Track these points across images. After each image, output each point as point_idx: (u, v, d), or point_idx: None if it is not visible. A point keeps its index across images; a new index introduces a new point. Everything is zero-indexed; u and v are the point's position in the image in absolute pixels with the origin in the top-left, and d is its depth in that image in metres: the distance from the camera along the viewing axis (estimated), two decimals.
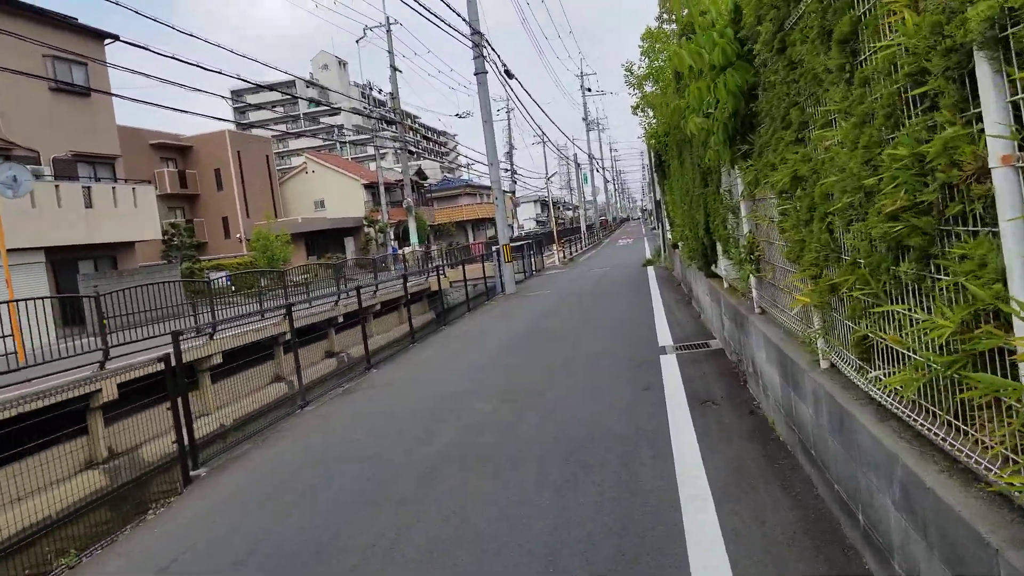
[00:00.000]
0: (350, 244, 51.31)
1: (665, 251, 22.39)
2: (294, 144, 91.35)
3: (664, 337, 9.34)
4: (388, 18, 33.65)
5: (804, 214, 3.37)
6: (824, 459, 3.62)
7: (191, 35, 17.07)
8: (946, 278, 2.05)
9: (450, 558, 3.77)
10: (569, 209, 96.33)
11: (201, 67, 16.14)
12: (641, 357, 8.22)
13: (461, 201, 69.16)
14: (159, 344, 11.75)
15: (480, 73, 19.10)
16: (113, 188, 23.88)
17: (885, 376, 2.72)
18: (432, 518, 4.33)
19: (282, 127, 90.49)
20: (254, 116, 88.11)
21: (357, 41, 34.21)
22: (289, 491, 5.28)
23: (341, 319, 21.36)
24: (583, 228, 51.43)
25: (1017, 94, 1.67)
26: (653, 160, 16.71)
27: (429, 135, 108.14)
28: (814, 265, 3.42)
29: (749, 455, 4.58)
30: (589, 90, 57.07)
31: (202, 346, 14.57)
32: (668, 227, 19.45)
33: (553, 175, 55.34)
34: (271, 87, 25.96)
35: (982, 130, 1.78)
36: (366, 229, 50.98)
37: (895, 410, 2.68)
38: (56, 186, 20.43)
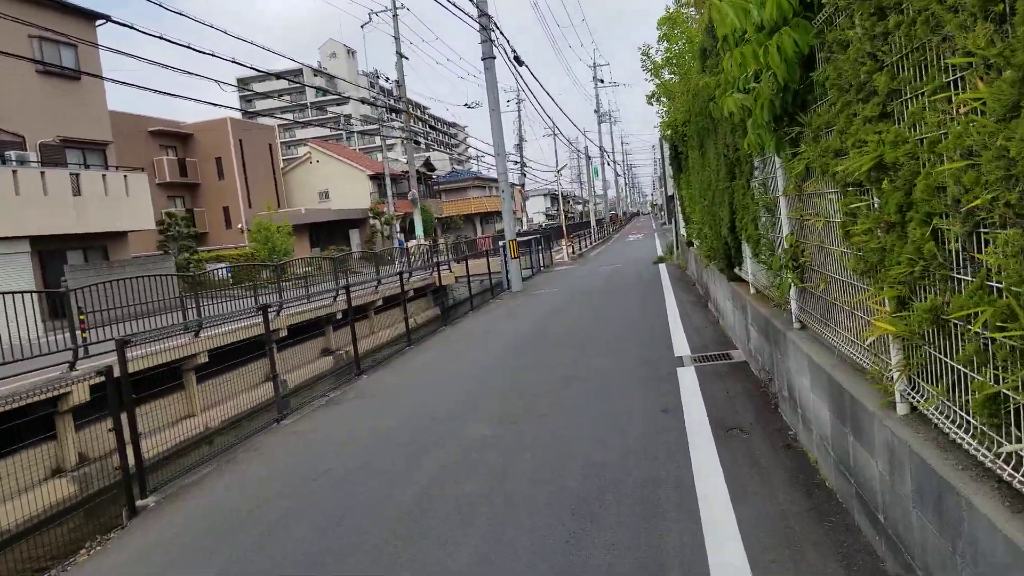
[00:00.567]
0: (355, 236, 50.58)
1: (678, 248, 21.46)
2: (301, 134, 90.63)
3: (680, 345, 8.48)
4: (395, 2, 32.72)
5: (891, 214, 2.51)
6: (903, 537, 2.76)
7: (195, 19, 16.26)
8: None
9: None
10: (579, 203, 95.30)
11: (192, 48, 15.34)
12: (656, 369, 7.36)
13: (470, 194, 68.31)
14: (144, 341, 10.98)
15: (487, 58, 18.21)
16: (104, 175, 23.14)
17: None
18: None
19: (289, 116, 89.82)
20: (261, 105, 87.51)
21: (362, 26, 33.57)
22: (234, 543, 4.47)
23: (340, 315, 20.63)
24: (593, 223, 50.47)
25: None
26: (668, 152, 15.79)
27: (438, 126, 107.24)
28: (901, 283, 2.56)
29: (792, 508, 3.73)
30: (602, 81, 56.02)
31: (187, 344, 13.83)
32: (682, 223, 18.54)
33: (563, 168, 54.36)
34: (278, 75, 25.24)
35: None
36: (372, 221, 50.20)
37: None
38: (42, 172, 19.68)
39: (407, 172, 54.14)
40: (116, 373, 6.10)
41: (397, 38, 33.10)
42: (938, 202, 2.18)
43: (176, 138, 46.48)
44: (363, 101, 39.06)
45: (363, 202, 51.57)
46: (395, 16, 32.98)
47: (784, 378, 5.04)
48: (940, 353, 2.39)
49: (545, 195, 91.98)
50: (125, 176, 24.76)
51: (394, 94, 33.58)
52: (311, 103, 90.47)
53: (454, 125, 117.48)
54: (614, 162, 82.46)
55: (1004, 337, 1.81)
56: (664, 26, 13.59)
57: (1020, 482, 1.96)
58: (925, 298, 2.42)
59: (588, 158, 58.40)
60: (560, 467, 4.87)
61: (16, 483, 8.18)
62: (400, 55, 33.05)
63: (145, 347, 11.73)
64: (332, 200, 52.89)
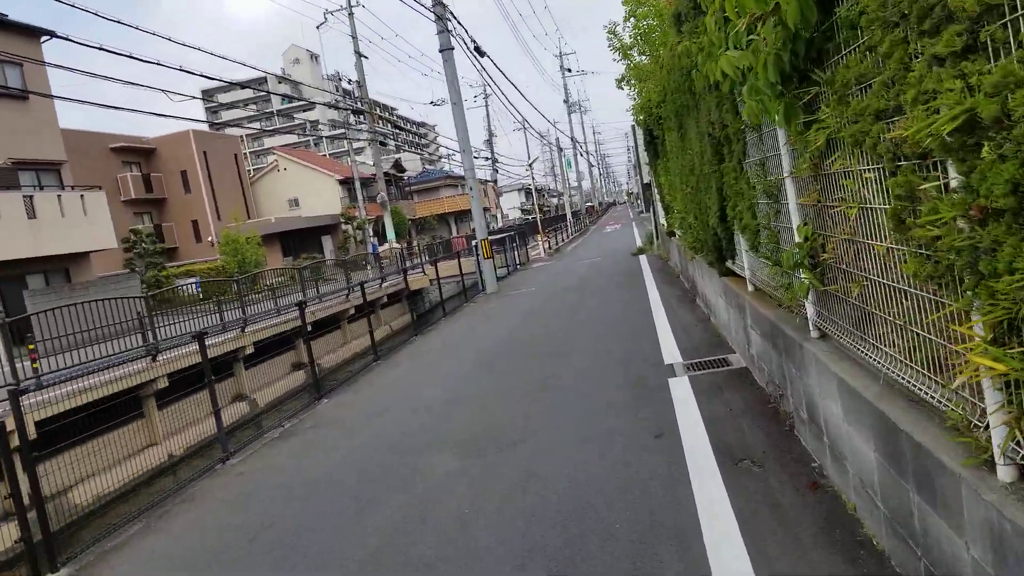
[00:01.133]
0: (328, 243, 49.41)
1: (658, 238, 20.70)
2: (269, 142, 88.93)
3: (670, 349, 7.64)
4: (349, 1, 31.58)
5: (997, 196, 1.65)
6: None
7: (146, 31, 15.20)
8: None
9: None
10: (554, 196, 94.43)
11: (135, 58, 14.30)
12: (644, 380, 6.51)
13: (442, 193, 67.30)
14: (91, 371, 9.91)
15: (445, 50, 17.24)
16: (59, 196, 21.93)
17: None
18: None
19: (256, 125, 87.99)
20: (227, 116, 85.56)
21: (318, 27, 32.15)
22: None
23: (310, 328, 19.59)
24: (568, 215, 49.67)
25: None
26: (643, 138, 14.97)
27: (407, 127, 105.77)
28: (1014, 300, 1.70)
29: None
30: (569, 70, 55.15)
31: (144, 370, 12.80)
32: (661, 212, 17.74)
33: (535, 160, 53.43)
34: (243, 85, 24.34)
35: None
36: (344, 227, 49.03)
37: None
38: None
39: (375, 174, 53.00)
40: (11, 426, 5.14)
41: (354, 37, 32.00)
42: None
43: (139, 153, 45.02)
44: (327, 105, 37.87)
45: (334, 208, 50.42)
46: (351, 15, 31.87)
47: (802, 397, 4.21)
48: None
49: (520, 190, 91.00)
50: (82, 196, 23.58)
51: (355, 95, 32.43)
52: (278, 111, 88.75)
53: (423, 125, 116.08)
54: (587, 152, 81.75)
55: None
56: (630, 3, 12.73)
57: None
58: None
59: (560, 150, 57.53)
60: (534, 516, 4.00)
61: None
62: (359, 54, 31.95)
63: (102, 375, 10.75)
64: (302, 207, 51.66)
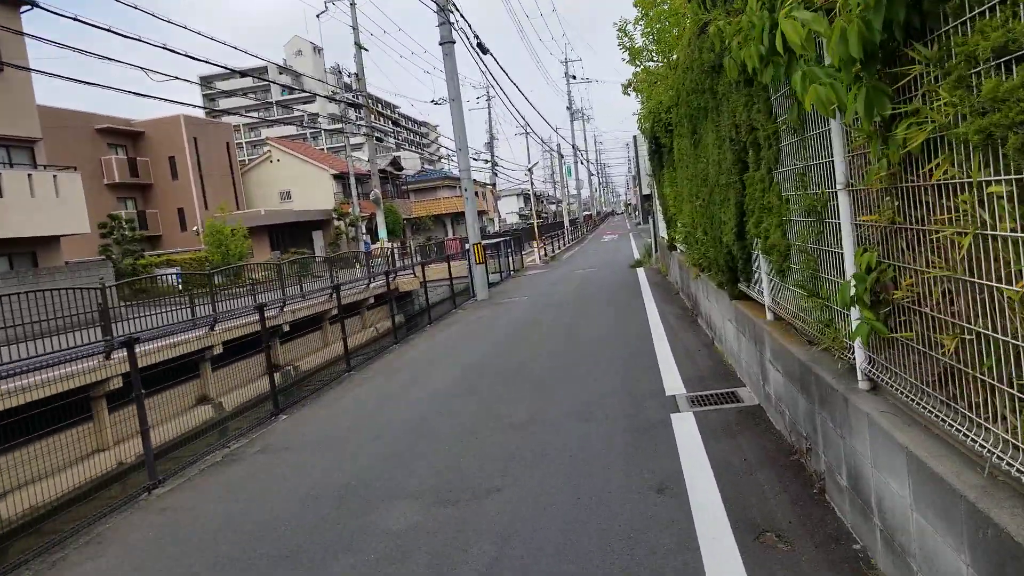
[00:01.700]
0: (319, 238, 48.50)
1: (656, 251, 19.97)
2: (268, 133, 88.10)
3: (671, 377, 6.87)
4: None
5: None
6: None
7: (148, 12, 14.43)
8: None
9: None
10: (553, 203, 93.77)
11: (123, 36, 13.54)
12: (643, 415, 5.73)
13: (440, 193, 66.52)
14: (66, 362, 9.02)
15: (446, 43, 16.48)
16: (29, 175, 20.98)
17: None
18: None
19: (254, 115, 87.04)
20: (225, 104, 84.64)
21: (318, 16, 31.37)
22: None
23: (287, 328, 18.76)
24: (566, 223, 48.96)
25: None
26: (647, 147, 14.24)
27: (409, 125, 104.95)
28: None
29: None
30: (574, 77, 54.52)
31: (97, 368, 11.93)
32: (662, 225, 17.02)
33: (534, 165, 52.73)
34: (243, 73, 23.74)
35: None
36: (336, 222, 48.13)
37: None
38: None
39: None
40: None
41: (355, 28, 31.23)
42: None
43: (126, 136, 44.06)
44: (324, 96, 37.03)
45: (327, 203, 49.53)
46: (352, 4, 31.08)
47: (840, 459, 3.43)
48: None
49: (518, 195, 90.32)
50: (55, 176, 22.61)
51: (353, 87, 31.63)
52: (276, 102, 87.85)
53: (425, 124, 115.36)
54: (587, 161, 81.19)
55: None
56: (643, 2, 11.98)
57: None
58: None
59: (561, 156, 56.87)
60: None
61: None
62: (359, 46, 31.17)
63: (51, 371, 9.88)
64: (294, 201, 50.77)
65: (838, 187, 3.17)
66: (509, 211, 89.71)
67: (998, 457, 2.04)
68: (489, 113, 51.99)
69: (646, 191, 35.30)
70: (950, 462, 2.32)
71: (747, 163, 5.16)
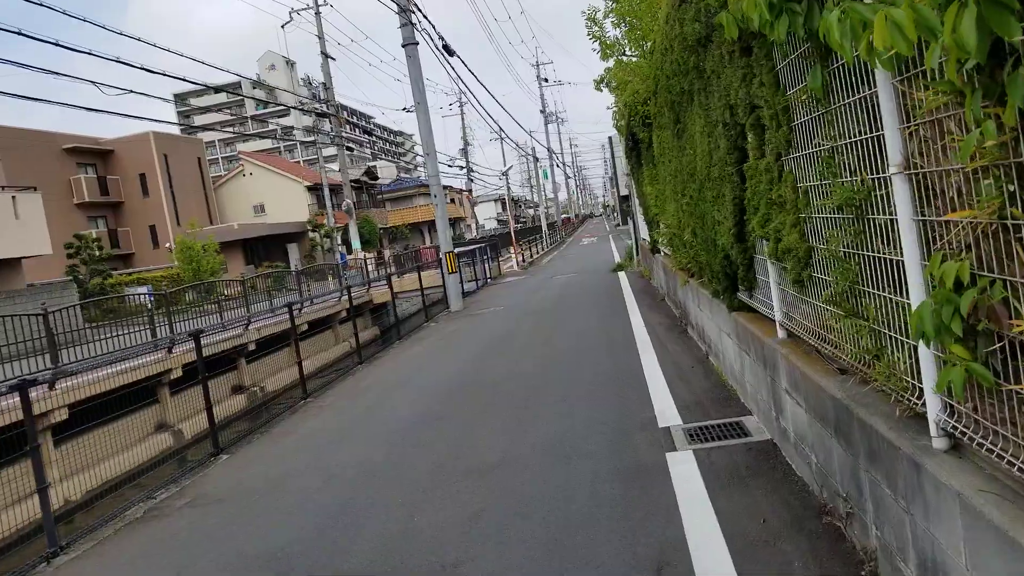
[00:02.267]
0: (294, 251, 47.30)
1: (638, 254, 19.15)
2: (242, 147, 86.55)
3: (663, 401, 5.97)
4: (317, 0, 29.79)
5: None
6: None
7: (117, 32, 13.49)
8: None
9: None
10: (531, 207, 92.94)
11: (76, 52, 12.59)
12: (633, 454, 4.82)
13: (416, 201, 65.47)
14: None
15: (409, 44, 15.55)
16: None
17: None
18: None
19: (230, 130, 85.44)
20: (201, 121, 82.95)
21: (283, 26, 30.30)
22: None
23: (253, 347, 17.69)
24: (544, 227, 48.13)
25: None
26: (625, 143, 13.40)
27: (384, 135, 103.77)
28: None
29: None
30: (546, 80, 53.79)
31: (42, 398, 10.82)
32: (643, 226, 16.19)
33: (509, 169, 51.85)
34: (217, 89, 22.76)
35: None
36: (311, 234, 46.95)
37: None
38: None
39: (349, 181, 51.01)
40: None
41: (321, 37, 30.24)
42: None
43: (95, 155, 42.74)
44: (292, 107, 35.97)
45: (301, 215, 48.38)
46: (317, 14, 30.09)
47: (907, 542, 2.53)
48: None
49: (496, 200, 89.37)
50: (13, 197, 21.47)
51: (321, 97, 30.62)
52: (251, 116, 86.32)
53: (401, 134, 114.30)
54: (563, 164, 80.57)
55: None
56: None
57: None
58: None
59: (536, 159, 56.09)
60: None
61: None
62: (325, 55, 30.18)
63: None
64: (268, 214, 49.59)
65: (891, 170, 2.29)
66: (487, 217, 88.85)
67: None
68: (462, 119, 51.10)
69: (624, 192, 34.53)
70: None
71: (746, 150, 4.29)
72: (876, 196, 2.54)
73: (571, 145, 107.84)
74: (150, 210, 43.50)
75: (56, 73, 13.52)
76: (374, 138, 64.70)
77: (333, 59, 30.31)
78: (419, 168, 76.38)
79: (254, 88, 74.18)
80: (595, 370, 7.66)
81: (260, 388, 17.77)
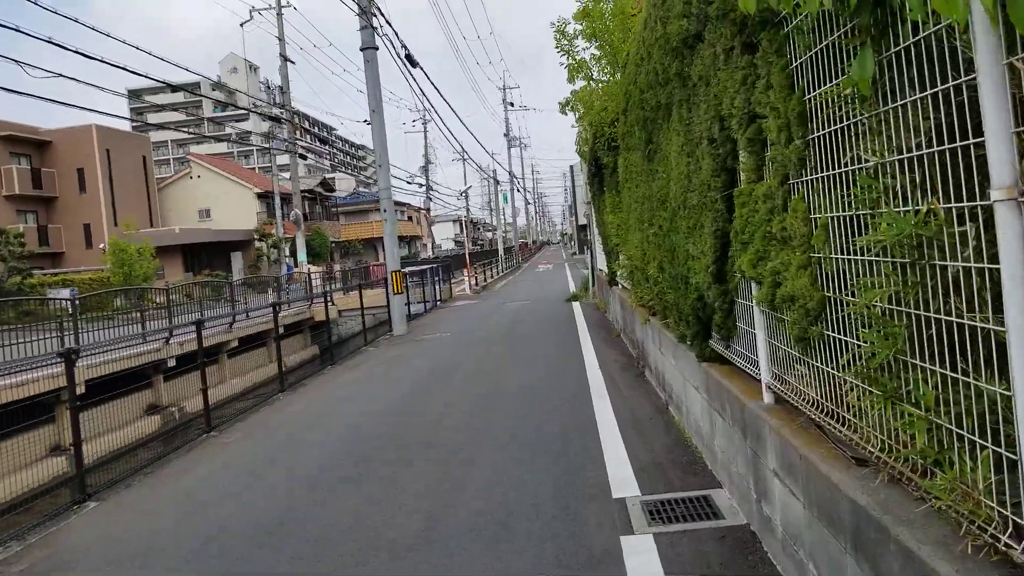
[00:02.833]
0: (237, 260, 45.38)
1: (594, 284, 18.48)
2: (197, 150, 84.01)
3: (617, 463, 5.12)
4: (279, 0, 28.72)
5: None
6: None
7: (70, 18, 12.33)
8: None
9: None
10: (490, 230, 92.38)
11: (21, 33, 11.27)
12: (582, 536, 3.94)
13: (372, 217, 64.11)
14: None
15: (368, 48, 14.68)
16: None
17: None
18: None
19: (185, 131, 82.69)
20: (156, 119, 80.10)
21: (242, 24, 29.08)
22: None
23: (173, 363, 16.25)
24: (500, 251, 47.43)
25: None
26: (588, 168, 12.74)
27: (345, 147, 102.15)
28: None
29: None
30: (512, 104, 53.55)
31: None
32: (600, 256, 15.53)
33: (468, 189, 51.20)
34: (174, 88, 21.55)
35: None
36: (257, 244, 45.19)
37: None
38: None
39: (301, 191, 49.50)
40: None
41: (281, 39, 29.15)
42: None
43: (31, 145, 40.35)
44: (249, 110, 34.61)
45: (249, 222, 46.57)
46: (279, 14, 29.02)
47: None
48: None
49: (455, 221, 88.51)
50: None
51: (277, 101, 29.43)
52: (208, 118, 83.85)
53: (363, 147, 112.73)
54: (524, 189, 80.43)
55: None
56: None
57: None
58: None
59: (497, 182, 55.57)
60: None
61: None
62: (284, 58, 29.07)
63: None
64: (214, 220, 47.58)
65: (995, 195, 1.51)
66: (444, 237, 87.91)
67: None
68: (425, 136, 50.41)
69: (582, 221, 34.07)
70: None
71: (736, 172, 3.54)
72: (950, 233, 1.76)
73: (533, 171, 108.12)
74: (86, 207, 41.25)
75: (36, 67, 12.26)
76: (332, 148, 63.25)
77: (293, 63, 29.21)
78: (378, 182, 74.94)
79: (213, 90, 72.18)
80: (543, 415, 6.79)
81: (179, 409, 16.31)
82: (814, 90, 2.52)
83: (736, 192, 3.43)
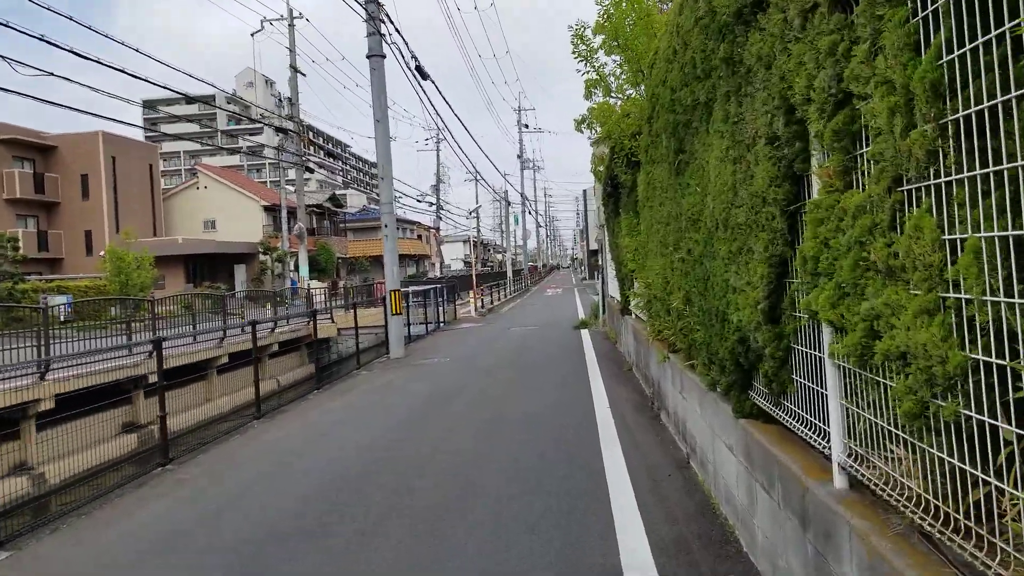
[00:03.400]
0: (241, 272, 44.79)
1: (604, 312, 17.58)
2: (211, 162, 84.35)
3: (631, 533, 4.20)
4: (291, 11, 28.36)
5: None
6: None
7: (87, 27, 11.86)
8: None
9: None
10: (500, 252, 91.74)
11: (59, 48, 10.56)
12: None
13: (381, 234, 63.40)
14: None
15: (374, 56, 14.02)
16: None
17: None
18: None
19: (199, 142, 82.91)
20: (169, 130, 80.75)
21: (253, 35, 28.74)
22: None
23: (153, 378, 15.40)
24: (509, 273, 46.61)
25: None
26: (603, 189, 11.92)
27: (360, 165, 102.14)
28: None
29: None
30: (527, 126, 53.10)
31: None
32: (611, 282, 14.66)
33: (477, 208, 50.57)
34: (189, 99, 21.27)
35: None
36: (262, 257, 44.61)
37: None
38: None
39: (309, 206, 49.05)
40: None
41: (292, 50, 28.72)
42: None
43: (35, 150, 40.09)
44: (259, 120, 34.22)
45: (255, 235, 46.03)
46: (291, 26, 28.63)
47: None
48: None
49: (464, 241, 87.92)
50: None
51: (285, 112, 28.93)
52: (223, 131, 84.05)
53: (376, 165, 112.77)
54: (536, 212, 79.86)
55: None
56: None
57: None
58: None
59: (508, 203, 54.94)
60: None
61: None
62: (294, 69, 28.62)
63: None
64: (219, 231, 47.07)
65: None
66: (454, 257, 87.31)
67: None
68: (438, 155, 49.84)
69: (594, 246, 33.26)
70: None
71: (803, 180, 2.68)
72: None
73: (545, 194, 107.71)
74: (88, 214, 40.86)
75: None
76: (345, 165, 62.91)
77: (303, 74, 28.76)
78: (394, 201, 74.43)
79: (228, 102, 72.37)
80: (544, 465, 5.88)
81: (159, 427, 15.40)
82: (961, 47, 1.67)
83: (810, 204, 2.57)
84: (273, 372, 20.27)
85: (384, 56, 14.13)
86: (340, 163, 65.60)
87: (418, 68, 17.14)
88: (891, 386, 2.10)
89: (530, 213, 71.19)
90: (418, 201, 51.74)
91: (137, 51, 15.25)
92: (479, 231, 60.40)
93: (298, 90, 28.53)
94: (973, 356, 1.71)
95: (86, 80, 12.69)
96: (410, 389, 10.32)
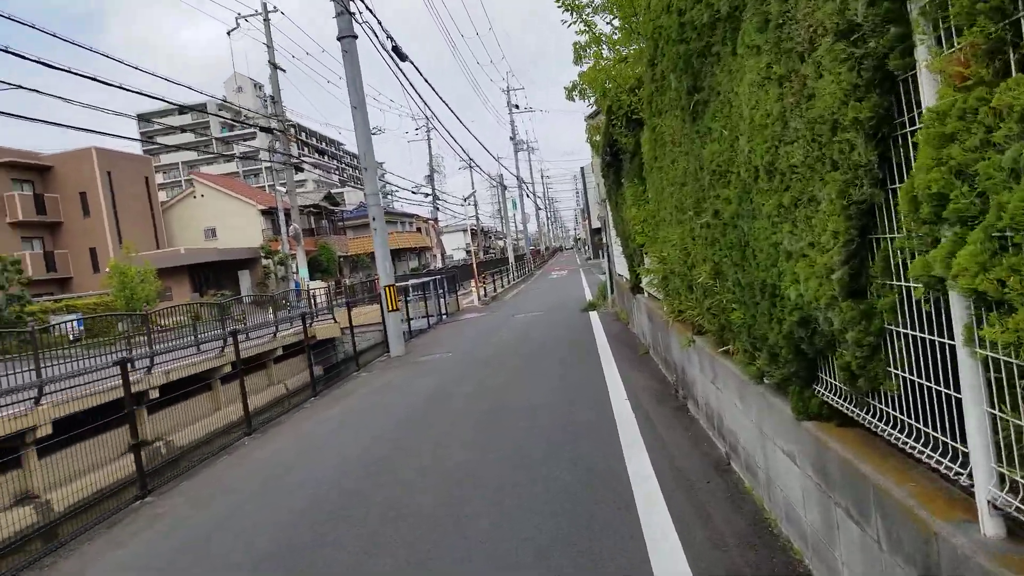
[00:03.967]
0: (245, 278, 44.24)
1: (612, 292, 16.68)
2: (206, 170, 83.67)
3: (669, 560, 3.38)
4: (266, 6, 27.33)
5: None
6: None
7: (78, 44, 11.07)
8: None
9: None
10: (501, 238, 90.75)
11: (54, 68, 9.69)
12: None
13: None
14: None
15: (346, 37, 13.08)
16: None
17: None
18: None
19: (193, 152, 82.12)
20: (165, 142, 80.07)
21: (229, 33, 27.75)
22: None
23: (156, 394, 14.68)
24: (511, 258, 45.70)
25: None
26: (601, 160, 10.99)
27: (354, 162, 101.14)
28: None
29: None
30: (517, 107, 51.90)
31: None
32: (618, 259, 13.77)
33: (472, 195, 49.56)
34: (182, 109, 20.74)
35: None
36: (264, 261, 44.00)
37: None
38: None
39: (309, 207, 48.25)
40: None
41: (270, 46, 27.74)
42: None
43: (32, 171, 39.47)
44: (243, 122, 33.32)
45: (255, 240, 45.37)
46: (266, 20, 27.62)
47: None
48: None
49: (465, 231, 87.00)
50: None
51: (267, 111, 28.01)
52: (216, 138, 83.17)
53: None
54: (534, 194, 78.74)
55: None
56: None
57: None
58: None
59: (503, 187, 53.88)
60: None
61: None
62: (274, 65, 27.67)
63: None
64: (219, 238, 46.42)
65: None
66: (455, 247, 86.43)
67: None
68: (429, 144, 48.82)
69: (596, 224, 32.32)
70: None
71: (900, 84, 1.80)
72: None
73: (543, 176, 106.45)
74: (91, 231, 40.35)
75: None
76: (340, 164, 61.93)
77: (283, 70, 27.82)
78: (388, 195, 73.63)
79: (220, 109, 71.47)
80: (556, 470, 5.05)
81: (165, 443, 14.77)
82: None
83: (927, 115, 1.69)
84: (281, 376, 19.54)
85: (356, 36, 13.19)
86: (335, 161, 64.76)
87: (395, 48, 16.17)
88: None
89: (528, 196, 70.14)
90: (413, 192, 50.94)
91: (121, 62, 14.50)
92: (477, 219, 59.34)
93: (279, 87, 27.57)
94: None
95: (71, 95, 11.94)
96: (411, 389, 9.49)
